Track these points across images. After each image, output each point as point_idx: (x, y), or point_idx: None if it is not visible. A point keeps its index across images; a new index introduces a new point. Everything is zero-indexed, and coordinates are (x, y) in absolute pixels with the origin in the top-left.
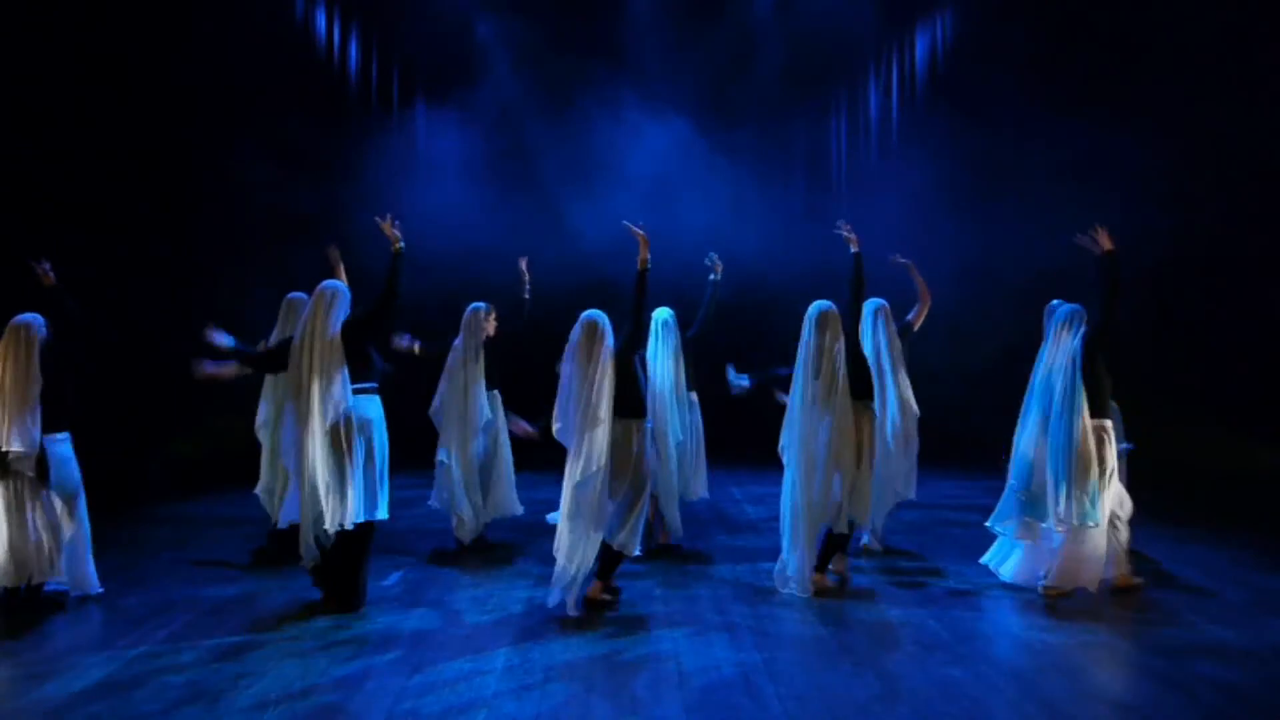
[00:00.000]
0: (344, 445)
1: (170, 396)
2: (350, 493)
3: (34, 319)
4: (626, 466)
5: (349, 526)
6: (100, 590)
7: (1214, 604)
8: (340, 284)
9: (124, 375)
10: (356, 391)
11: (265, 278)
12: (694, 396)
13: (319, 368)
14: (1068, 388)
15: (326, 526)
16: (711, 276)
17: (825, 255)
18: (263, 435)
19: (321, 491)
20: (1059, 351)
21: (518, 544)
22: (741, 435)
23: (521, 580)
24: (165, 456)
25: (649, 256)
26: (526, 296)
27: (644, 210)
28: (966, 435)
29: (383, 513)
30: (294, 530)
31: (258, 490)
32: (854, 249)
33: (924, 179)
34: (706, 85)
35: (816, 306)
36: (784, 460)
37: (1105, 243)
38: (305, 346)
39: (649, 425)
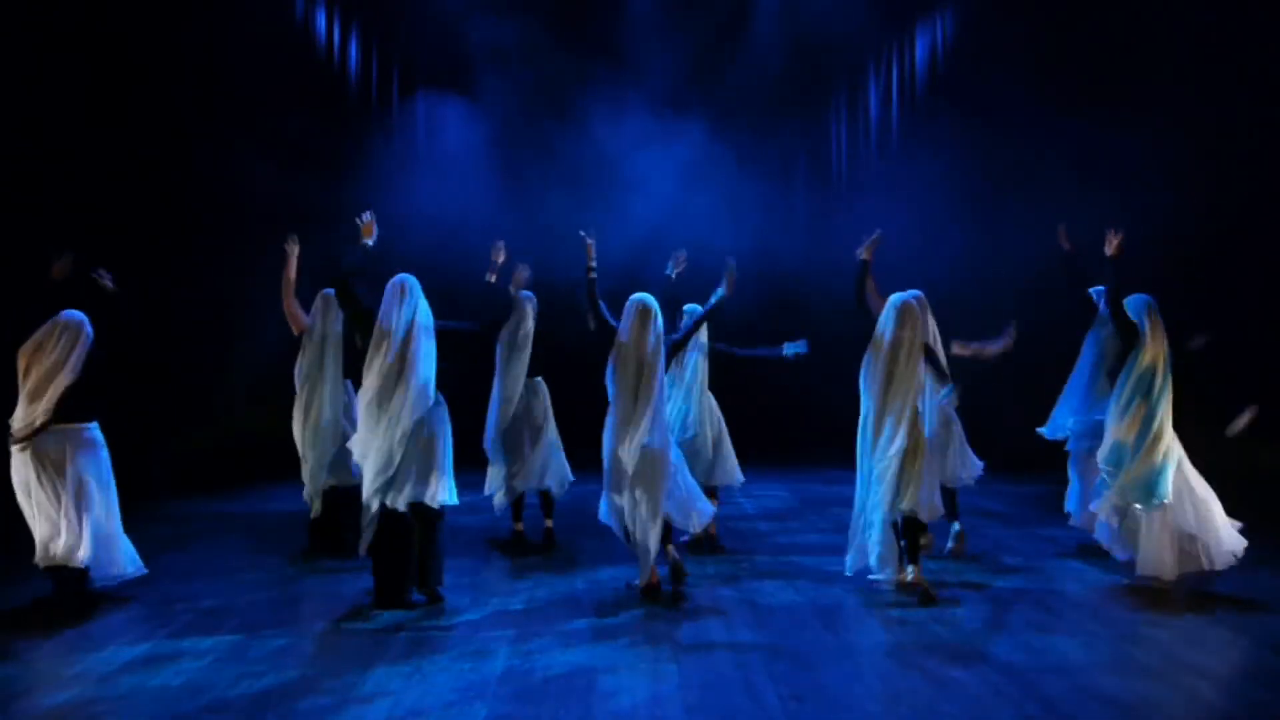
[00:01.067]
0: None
1: (172, 394)
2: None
3: (85, 320)
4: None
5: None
6: (131, 572)
7: (1215, 603)
8: (411, 276)
9: (125, 374)
10: None
11: (265, 275)
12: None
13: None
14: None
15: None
16: (720, 290)
17: (825, 255)
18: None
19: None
20: (1158, 342)
21: (518, 543)
22: (742, 435)
23: (522, 580)
24: (183, 449)
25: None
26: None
27: (643, 211)
28: (968, 435)
29: (442, 500)
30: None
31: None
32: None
33: (924, 178)
34: (706, 85)
35: (899, 298)
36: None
37: (1111, 249)
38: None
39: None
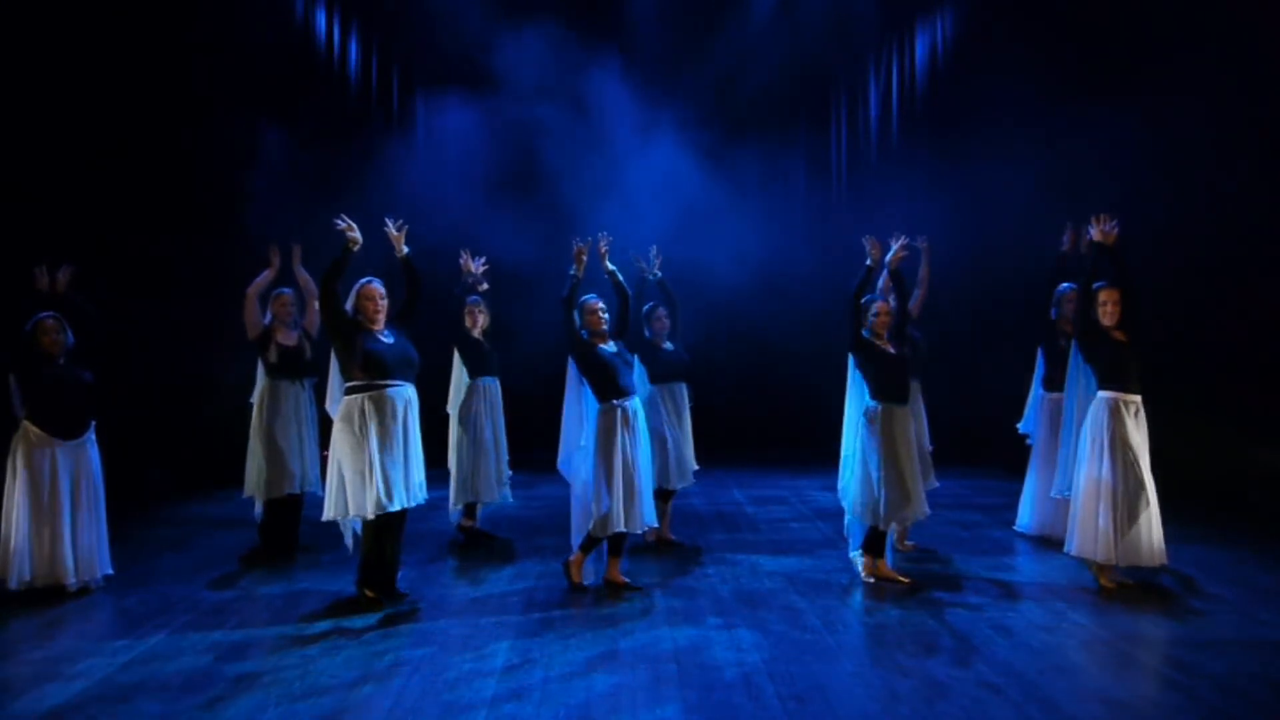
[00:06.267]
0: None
1: (171, 395)
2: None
3: (63, 321)
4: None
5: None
6: (106, 574)
7: (1214, 604)
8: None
9: (122, 376)
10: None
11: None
12: (680, 388)
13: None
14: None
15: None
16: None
17: (825, 256)
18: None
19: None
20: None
21: (517, 543)
22: (744, 435)
23: (521, 580)
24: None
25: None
26: (485, 287)
27: (643, 212)
28: (969, 434)
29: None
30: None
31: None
32: (868, 262)
33: (924, 178)
34: (706, 87)
35: None
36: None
37: (1098, 235)
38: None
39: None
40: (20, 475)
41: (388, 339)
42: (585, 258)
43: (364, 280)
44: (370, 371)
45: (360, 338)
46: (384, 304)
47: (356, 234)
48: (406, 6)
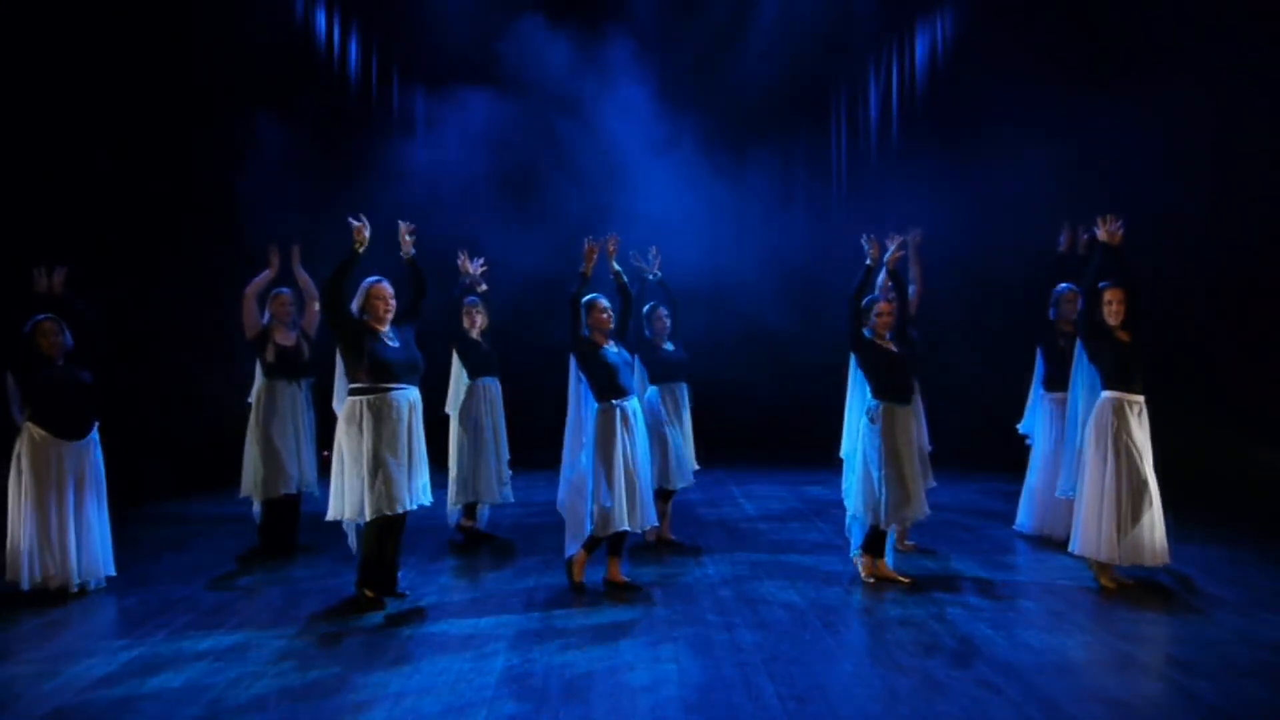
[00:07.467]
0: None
1: (170, 396)
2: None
3: (61, 324)
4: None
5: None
6: (108, 575)
7: (1214, 604)
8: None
9: (121, 376)
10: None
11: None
12: (680, 388)
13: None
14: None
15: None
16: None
17: (825, 256)
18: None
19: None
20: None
21: (517, 543)
22: (744, 435)
23: (521, 580)
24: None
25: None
26: (484, 288)
27: (643, 212)
28: (969, 434)
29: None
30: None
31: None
32: (868, 261)
33: (924, 178)
34: (706, 87)
35: None
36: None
37: (1103, 235)
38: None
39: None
40: (26, 477)
41: (394, 342)
42: (595, 257)
43: (373, 279)
44: (376, 375)
45: (367, 340)
46: (393, 304)
47: (366, 234)
48: (406, 6)
